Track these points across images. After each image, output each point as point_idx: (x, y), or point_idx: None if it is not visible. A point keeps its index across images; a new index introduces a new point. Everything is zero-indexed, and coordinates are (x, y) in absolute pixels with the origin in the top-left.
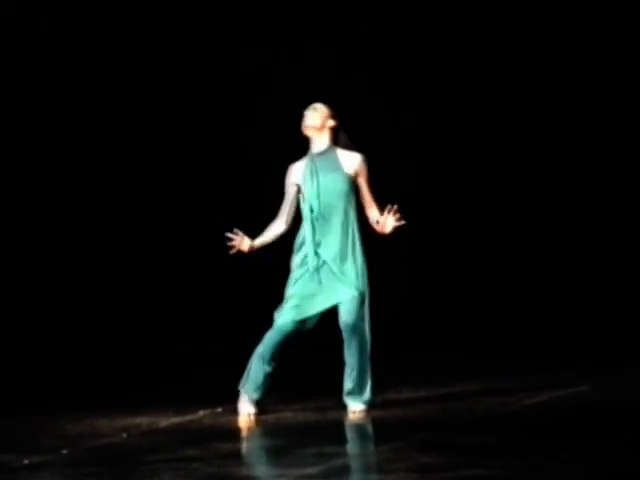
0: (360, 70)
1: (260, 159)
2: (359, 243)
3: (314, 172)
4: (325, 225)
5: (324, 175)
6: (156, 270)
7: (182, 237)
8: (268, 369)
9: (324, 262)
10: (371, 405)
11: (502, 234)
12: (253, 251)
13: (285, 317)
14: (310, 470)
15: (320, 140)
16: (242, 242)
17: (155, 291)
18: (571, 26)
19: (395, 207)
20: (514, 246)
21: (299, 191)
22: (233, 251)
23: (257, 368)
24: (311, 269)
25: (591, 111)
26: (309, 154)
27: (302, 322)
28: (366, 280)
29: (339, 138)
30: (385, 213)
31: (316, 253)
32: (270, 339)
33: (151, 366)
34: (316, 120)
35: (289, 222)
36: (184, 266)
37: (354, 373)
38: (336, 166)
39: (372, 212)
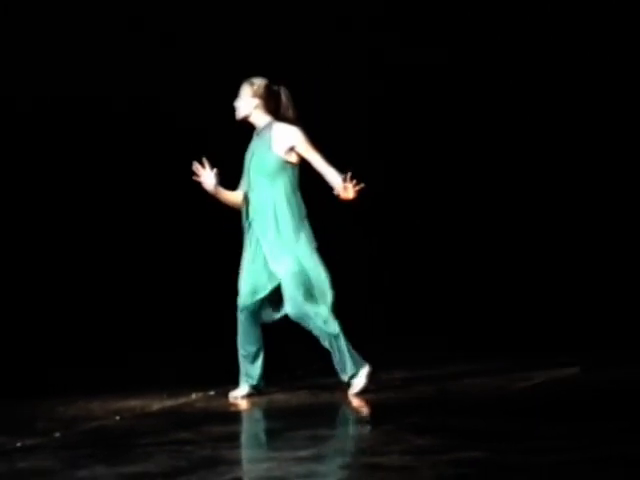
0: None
1: None
2: (288, 221)
3: (250, 151)
4: (256, 204)
5: (256, 155)
6: (147, 255)
7: (179, 227)
8: (245, 354)
9: (257, 239)
10: (364, 370)
11: (491, 219)
12: (214, 194)
13: (244, 300)
14: (303, 453)
15: (257, 119)
16: (207, 176)
17: (148, 275)
18: (569, 24)
19: (349, 175)
20: (505, 232)
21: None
22: (196, 179)
23: (240, 358)
24: (248, 246)
25: (583, 106)
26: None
27: (255, 305)
28: (307, 258)
29: (279, 104)
30: (342, 182)
31: (249, 228)
32: (241, 325)
33: (144, 349)
34: (239, 112)
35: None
36: (175, 251)
37: (333, 356)
38: (267, 146)
39: (330, 178)
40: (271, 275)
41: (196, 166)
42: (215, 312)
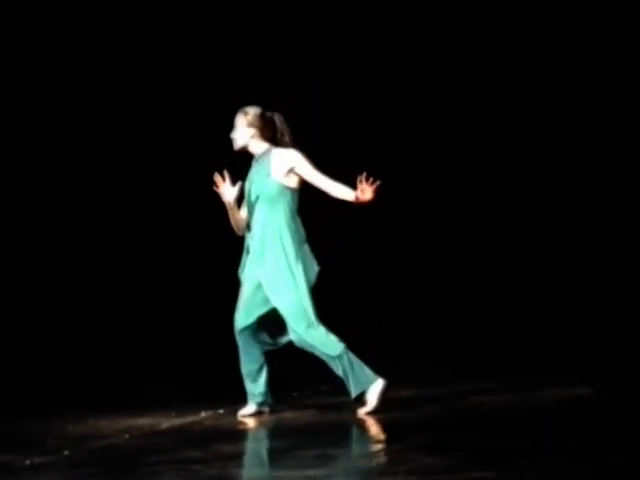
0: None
1: None
2: (290, 246)
3: (250, 179)
4: (255, 229)
5: (256, 182)
6: (157, 270)
7: (183, 236)
8: (250, 374)
9: (253, 265)
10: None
11: (497, 226)
12: (230, 209)
13: (238, 324)
14: (311, 472)
15: (254, 148)
16: (228, 189)
17: (157, 292)
18: (569, 24)
19: (364, 175)
20: (508, 233)
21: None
22: (215, 189)
23: (244, 377)
24: (246, 271)
25: (583, 106)
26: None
27: (251, 325)
28: (302, 284)
29: (275, 130)
30: (358, 185)
31: (247, 253)
32: (239, 348)
33: (153, 367)
34: (236, 143)
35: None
36: (184, 265)
37: (339, 372)
38: (266, 172)
39: (338, 193)
40: (267, 297)
41: (217, 177)
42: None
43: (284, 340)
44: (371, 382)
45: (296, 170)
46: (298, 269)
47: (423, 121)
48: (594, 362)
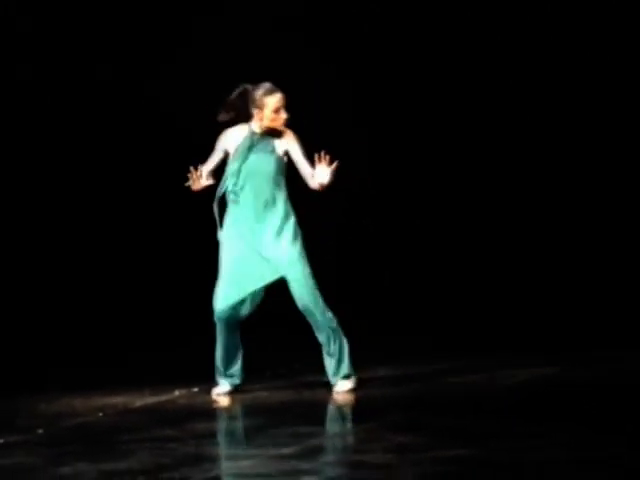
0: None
1: None
2: (292, 219)
3: (251, 150)
4: (256, 202)
5: (259, 155)
6: (134, 252)
7: (163, 224)
8: (223, 354)
9: (258, 239)
10: (355, 377)
11: (475, 220)
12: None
13: (218, 304)
14: (285, 450)
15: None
16: (197, 181)
17: (133, 272)
18: (569, 23)
19: (323, 153)
20: (489, 234)
21: (225, 158)
22: (187, 184)
23: (220, 358)
24: (244, 246)
25: (582, 106)
26: (249, 128)
27: (240, 303)
28: (303, 252)
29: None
30: (316, 164)
31: (249, 230)
32: (218, 327)
33: (126, 346)
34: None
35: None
36: (162, 249)
37: (331, 350)
38: (272, 147)
39: (309, 176)
40: (268, 271)
41: (193, 173)
42: (199, 308)
43: (251, 308)
44: (354, 372)
45: (290, 153)
46: (300, 237)
47: (423, 123)
48: (565, 350)
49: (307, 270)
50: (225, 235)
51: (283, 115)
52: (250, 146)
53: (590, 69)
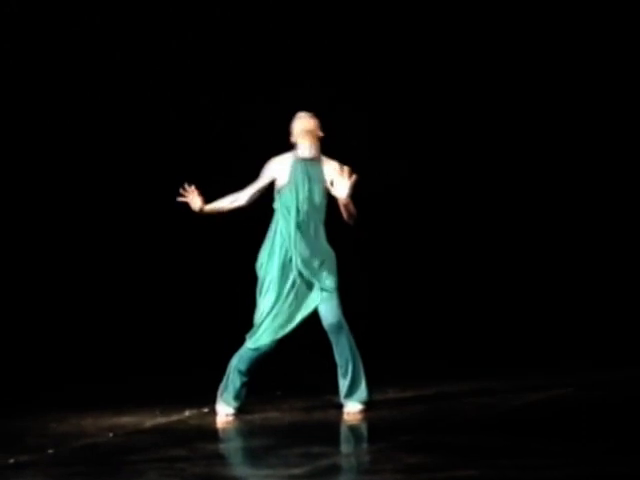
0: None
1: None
2: (327, 245)
3: (305, 178)
4: (304, 232)
5: (313, 183)
6: (146, 269)
7: (176, 235)
8: (245, 380)
9: (299, 270)
10: (368, 402)
11: (485, 239)
12: (202, 213)
13: (265, 339)
14: (296, 470)
15: (312, 146)
16: (193, 199)
17: (145, 293)
18: (569, 23)
19: (344, 167)
20: (497, 251)
21: (271, 186)
22: (180, 199)
23: (235, 379)
24: (291, 278)
25: (582, 106)
26: (294, 156)
27: (276, 342)
28: (337, 279)
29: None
30: (338, 174)
31: (298, 260)
32: (249, 356)
33: (138, 366)
34: (317, 125)
35: (250, 202)
36: (174, 265)
37: (348, 372)
38: (321, 177)
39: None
40: (307, 305)
41: (187, 189)
42: (210, 329)
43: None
44: (368, 396)
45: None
46: (333, 265)
47: (423, 124)
48: (579, 370)
49: (336, 289)
50: (265, 268)
51: (310, 138)
52: (303, 174)
53: (590, 69)
